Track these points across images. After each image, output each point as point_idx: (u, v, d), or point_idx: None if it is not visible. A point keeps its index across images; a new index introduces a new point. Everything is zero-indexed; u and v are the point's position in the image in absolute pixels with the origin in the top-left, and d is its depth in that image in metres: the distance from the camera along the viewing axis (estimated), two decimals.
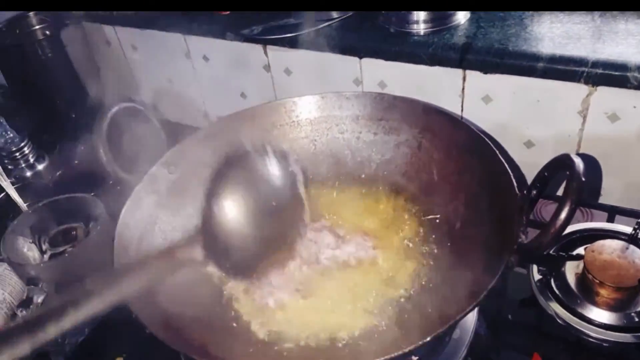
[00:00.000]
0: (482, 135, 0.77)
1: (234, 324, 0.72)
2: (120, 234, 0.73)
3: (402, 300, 0.73)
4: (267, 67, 1.21)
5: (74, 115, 1.40)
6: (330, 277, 0.76)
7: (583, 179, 0.58)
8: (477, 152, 0.77)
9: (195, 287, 0.76)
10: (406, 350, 0.57)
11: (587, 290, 0.78)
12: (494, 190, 0.72)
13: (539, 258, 0.79)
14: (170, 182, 0.83)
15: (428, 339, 0.57)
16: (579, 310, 0.76)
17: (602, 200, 0.99)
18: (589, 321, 0.75)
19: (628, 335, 0.73)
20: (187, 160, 0.86)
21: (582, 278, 0.79)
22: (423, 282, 0.74)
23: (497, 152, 0.74)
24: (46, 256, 0.98)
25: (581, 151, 0.97)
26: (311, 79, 1.16)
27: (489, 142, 0.76)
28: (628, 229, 0.83)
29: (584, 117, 0.92)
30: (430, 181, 0.84)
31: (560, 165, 0.63)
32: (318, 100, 0.92)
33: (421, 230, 0.81)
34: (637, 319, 0.74)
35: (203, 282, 0.77)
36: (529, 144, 1.01)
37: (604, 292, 0.76)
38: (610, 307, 0.76)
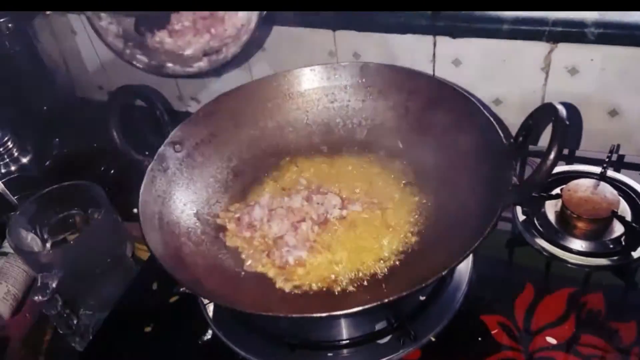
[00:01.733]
0: (465, 93, 0.85)
1: (261, 284, 0.78)
2: (143, 211, 0.77)
3: (409, 248, 0.80)
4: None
5: (45, 108, 1.39)
6: (340, 234, 0.83)
7: (567, 123, 0.66)
8: (462, 110, 0.85)
9: (216, 256, 0.81)
10: (414, 289, 0.64)
11: (566, 225, 0.87)
12: (483, 143, 0.80)
13: (523, 199, 0.87)
14: (177, 160, 0.88)
15: (444, 272, 0.65)
16: (561, 242, 0.86)
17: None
18: (571, 251, 0.85)
19: (604, 259, 0.84)
20: (191, 139, 0.90)
21: (561, 214, 0.89)
22: (426, 231, 0.82)
23: (482, 107, 0.82)
24: (48, 245, 0.99)
25: None
26: (286, 54, 1.19)
27: (473, 99, 0.84)
28: (597, 169, 0.93)
29: (547, 73, 1.00)
30: (421, 141, 0.91)
31: (544, 113, 0.71)
32: (307, 73, 0.97)
33: (419, 186, 0.88)
34: (611, 246, 0.85)
35: (222, 251, 0.83)
36: (497, 102, 1.08)
37: (582, 225, 0.86)
38: (588, 237, 0.86)
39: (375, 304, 0.61)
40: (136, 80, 1.39)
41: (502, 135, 0.77)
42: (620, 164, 0.98)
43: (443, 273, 0.64)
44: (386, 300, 0.61)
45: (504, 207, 0.69)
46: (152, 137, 0.90)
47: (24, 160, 1.24)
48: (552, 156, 0.65)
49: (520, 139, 0.75)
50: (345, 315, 0.68)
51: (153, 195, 0.81)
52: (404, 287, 0.64)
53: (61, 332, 0.90)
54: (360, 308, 0.62)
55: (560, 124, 0.66)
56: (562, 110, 0.67)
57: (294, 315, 0.62)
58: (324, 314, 0.62)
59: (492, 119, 0.79)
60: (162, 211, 0.81)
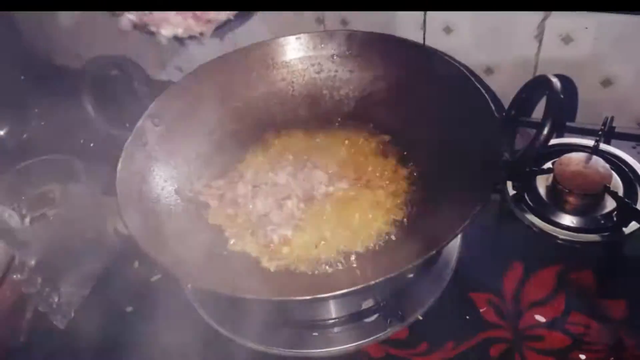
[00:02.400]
0: (457, 64, 0.82)
1: (245, 263, 0.75)
2: (121, 189, 0.74)
3: (397, 225, 0.78)
4: None
5: (23, 77, 1.34)
6: (327, 212, 0.80)
7: (561, 96, 0.63)
8: (453, 82, 0.82)
9: (198, 235, 0.79)
10: (399, 272, 0.62)
11: (557, 199, 0.85)
12: (474, 117, 0.77)
13: (515, 174, 0.85)
14: (157, 134, 0.84)
15: (432, 252, 0.63)
16: (552, 217, 0.84)
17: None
18: (561, 226, 0.83)
19: (595, 235, 0.82)
20: (170, 112, 0.87)
21: (552, 189, 0.87)
22: (416, 209, 0.79)
23: (474, 80, 0.79)
24: (27, 220, 0.96)
25: (537, 74, 1.01)
26: (270, 21, 1.15)
27: (465, 71, 0.81)
28: (590, 142, 0.90)
29: (540, 41, 0.96)
30: (411, 114, 0.87)
31: (537, 86, 0.68)
32: (292, 42, 0.94)
33: (408, 162, 0.86)
34: (602, 221, 0.83)
35: (205, 230, 0.80)
36: (488, 71, 1.04)
37: (573, 200, 0.84)
38: (579, 213, 0.84)
39: (360, 286, 0.60)
40: (115, 48, 1.34)
41: (493, 108, 0.74)
42: (611, 135, 0.96)
43: (431, 253, 0.62)
44: (372, 283, 0.59)
45: (496, 184, 0.67)
46: (130, 109, 0.85)
47: (1, 132, 1.20)
48: (545, 131, 0.63)
49: (513, 112, 0.72)
50: (331, 298, 0.66)
51: (131, 171, 0.78)
52: (391, 267, 0.62)
53: (42, 310, 0.87)
54: (345, 291, 0.60)
55: (555, 97, 0.63)
56: (557, 83, 0.64)
57: (278, 299, 0.60)
58: (308, 297, 0.60)
59: (483, 91, 0.77)
60: (142, 188, 0.78)
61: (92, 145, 1.12)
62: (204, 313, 0.79)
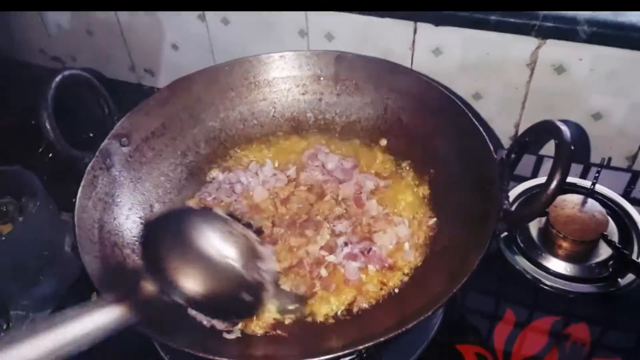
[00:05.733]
0: (452, 97, 0.76)
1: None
2: (80, 219, 0.66)
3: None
4: (202, 16, 1.12)
5: None
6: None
7: (572, 147, 0.58)
8: (448, 115, 0.76)
9: None
10: (402, 329, 0.56)
11: (550, 244, 0.81)
12: (469, 154, 0.72)
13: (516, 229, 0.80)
14: (123, 156, 0.77)
15: (423, 317, 0.57)
16: (544, 263, 0.80)
17: (543, 152, 1.01)
18: (554, 274, 0.79)
19: (589, 286, 0.78)
20: (139, 131, 0.79)
21: (545, 232, 0.82)
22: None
23: (470, 114, 0.74)
24: None
25: (527, 103, 0.98)
26: (252, 31, 1.08)
27: (460, 104, 0.75)
28: (584, 182, 0.86)
29: (532, 70, 0.93)
30: (399, 144, 0.82)
31: (543, 132, 0.63)
32: (276, 60, 0.87)
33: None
34: (597, 270, 0.79)
35: None
36: (476, 97, 1.00)
37: (567, 245, 0.80)
38: (573, 259, 0.80)
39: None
40: (81, 45, 1.26)
41: (492, 149, 0.69)
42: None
43: (407, 327, 0.56)
44: (360, 348, 0.53)
45: (493, 237, 0.62)
46: (95, 126, 0.78)
47: None
48: (554, 185, 0.57)
49: (513, 155, 0.67)
50: None
51: (93, 199, 0.70)
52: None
53: None
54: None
55: (564, 148, 0.58)
56: (566, 132, 0.59)
57: None
58: None
59: (482, 130, 0.72)
60: (103, 218, 0.70)
61: (50, 155, 1.04)
62: None
